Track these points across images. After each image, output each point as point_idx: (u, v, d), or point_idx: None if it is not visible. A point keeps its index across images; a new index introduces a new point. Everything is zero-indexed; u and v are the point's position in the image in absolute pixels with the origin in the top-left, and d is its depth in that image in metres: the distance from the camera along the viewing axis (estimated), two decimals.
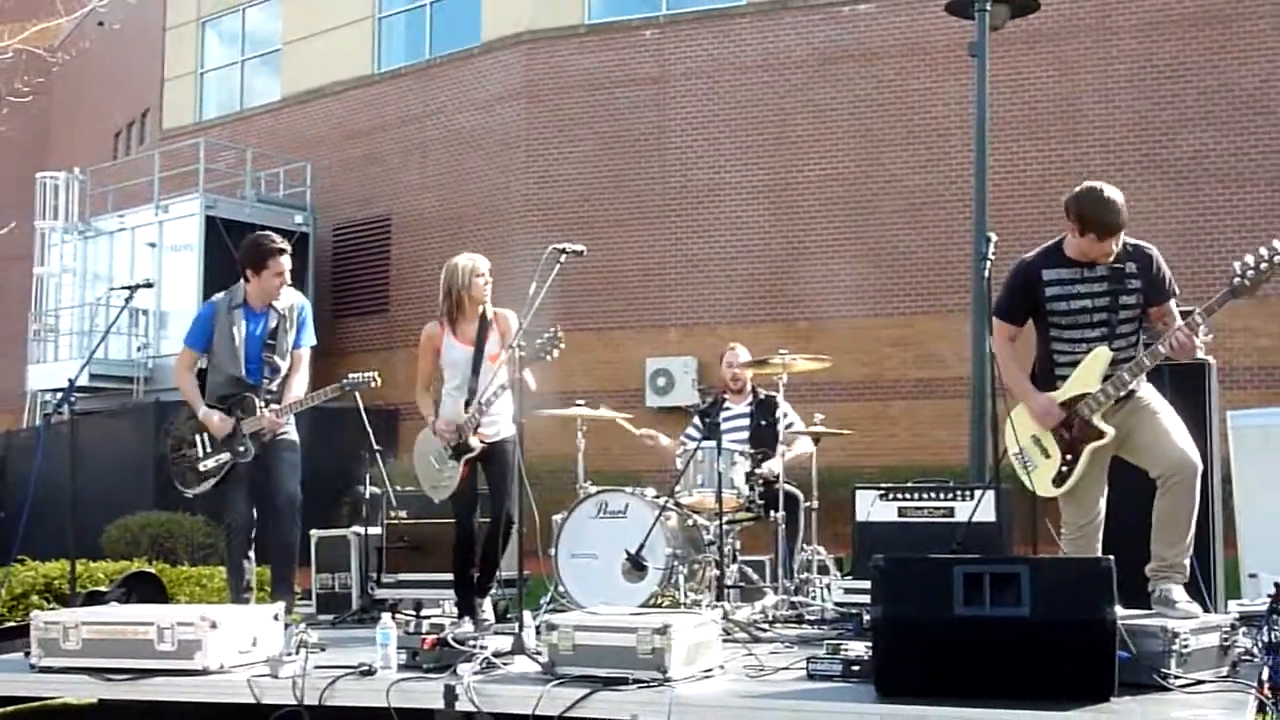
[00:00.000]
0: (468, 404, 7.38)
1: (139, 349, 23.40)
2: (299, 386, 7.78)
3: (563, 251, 6.95)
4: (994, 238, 7.19)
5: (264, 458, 7.67)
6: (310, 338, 7.94)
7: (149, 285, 9.36)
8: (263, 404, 7.60)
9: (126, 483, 20.41)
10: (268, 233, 7.94)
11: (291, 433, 7.80)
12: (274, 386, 7.70)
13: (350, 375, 8.04)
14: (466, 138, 23.11)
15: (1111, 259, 6.04)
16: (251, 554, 7.69)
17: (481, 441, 7.38)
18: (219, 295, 7.90)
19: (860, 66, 20.25)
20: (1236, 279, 5.75)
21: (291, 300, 7.83)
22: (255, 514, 7.75)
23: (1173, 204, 18.16)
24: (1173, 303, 6.12)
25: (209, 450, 7.69)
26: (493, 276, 7.78)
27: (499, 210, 22.32)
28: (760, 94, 20.74)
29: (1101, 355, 6.03)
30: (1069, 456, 6.09)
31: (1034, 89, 19.11)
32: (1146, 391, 6.14)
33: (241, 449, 7.62)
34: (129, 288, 8.16)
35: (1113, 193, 6.01)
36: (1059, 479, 6.13)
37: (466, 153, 23.05)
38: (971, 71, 12.91)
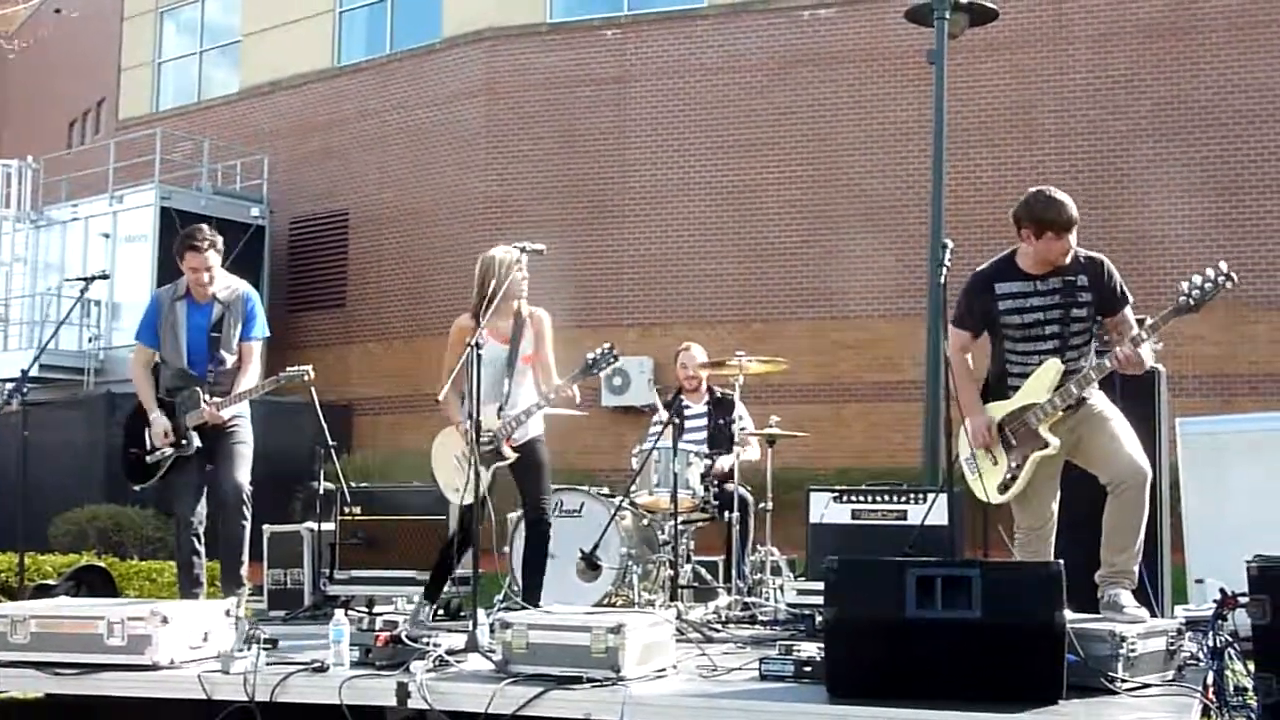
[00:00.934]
0: (500, 409, 7.08)
1: (90, 340, 23.19)
2: (250, 379, 7.63)
3: (523, 250, 6.94)
4: (950, 244, 7.25)
5: (213, 450, 7.55)
6: (261, 329, 7.75)
7: (105, 277, 9.31)
8: (206, 396, 7.46)
9: (75, 475, 20.21)
10: (199, 225, 7.76)
11: (244, 426, 7.66)
12: (221, 378, 7.54)
13: (287, 369, 7.82)
14: (426, 133, 23.05)
15: (1066, 260, 6.11)
16: (201, 549, 7.57)
17: (513, 449, 7.13)
18: (164, 288, 7.83)
19: (820, 70, 20.33)
20: (1183, 297, 5.85)
21: (237, 291, 7.67)
22: (204, 508, 7.62)
23: (1125, 213, 18.32)
24: (1128, 310, 6.19)
25: (154, 444, 7.58)
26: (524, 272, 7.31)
27: (458, 207, 22.27)
28: (720, 96, 20.79)
29: (1052, 367, 6.10)
30: (1015, 464, 6.17)
31: (991, 96, 19.24)
32: (1098, 399, 6.21)
33: (184, 442, 7.49)
34: (85, 279, 8.11)
35: (1060, 193, 6.12)
36: (1004, 486, 6.22)
37: (426, 149, 22.99)
38: (930, 78, 13.01)
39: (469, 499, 6.90)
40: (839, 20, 20.46)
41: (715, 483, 8.52)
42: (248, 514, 7.49)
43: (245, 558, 7.57)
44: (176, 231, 21.68)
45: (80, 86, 31.07)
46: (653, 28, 21.54)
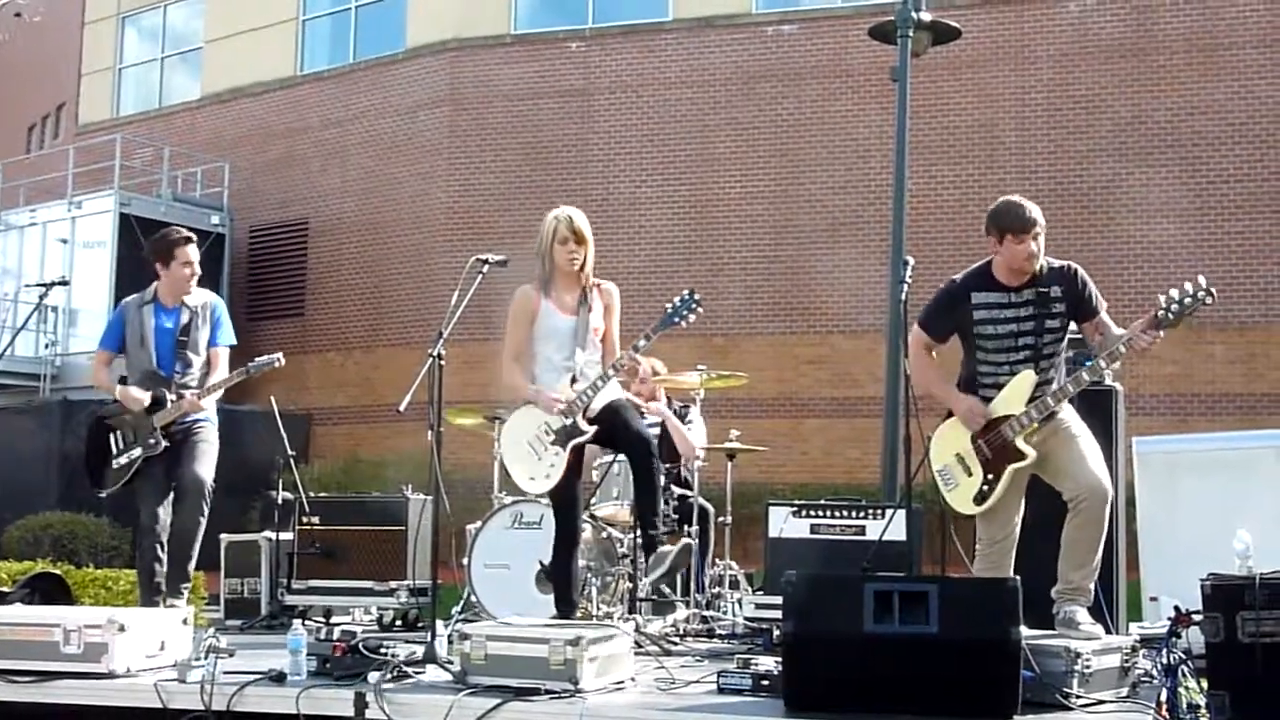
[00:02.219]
0: (574, 380, 6.68)
1: (47, 346, 23.03)
2: (217, 382, 7.66)
3: (484, 262, 6.90)
4: (911, 261, 7.29)
5: (178, 451, 7.52)
6: (228, 337, 7.81)
7: (63, 283, 9.28)
8: (174, 397, 7.47)
9: (30, 482, 20.06)
10: (170, 228, 7.89)
11: (209, 428, 7.65)
12: (188, 381, 7.57)
13: (256, 358, 7.82)
14: (388, 143, 23.01)
15: (1034, 265, 6.16)
16: (164, 556, 7.50)
17: (590, 423, 6.70)
18: (130, 297, 7.85)
19: (783, 86, 20.42)
20: (1161, 311, 5.89)
21: (205, 299, 7.75)
22: (167, 515, 7.55)
23: (1085, 232, 18.47)
24: (1104, 314, 6.23)
25: (121, 447, 7.60)
26: (589, 240, 6.87)
27: (419, 218, 22.24)
28: (683, 110, 20.86)
29: (1027, 378, 6.14)
30: (990, 476, 6.20)
31: (953, 114, 19.37)
32: (1068, 414, 6.25)
33: (152, 441, 7.48)
34: (43, 285, 8.10)
35: (1023, 199, 6.23)
36: (980, 497, 6.24)
37: (388, 159, 22.95)
38: (892, 95, 13.09)
39: (547, 486, 6.68)
40: (803, 36, 20.57)
41: (675, 498, 8.51)
42: (205, 509, 7.42)
43: (195, 554, 7.47)
44: (135, 238, 21.86)
45: (40, 91, 30.87)
46: (617, 41, 21.60)
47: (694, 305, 6.68)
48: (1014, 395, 6.16)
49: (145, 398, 7.46)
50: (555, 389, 6.68)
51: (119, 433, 7.64)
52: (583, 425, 6.64)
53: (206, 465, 7.50)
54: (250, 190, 24.55)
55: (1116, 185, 18.70)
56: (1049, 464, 6.20)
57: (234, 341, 7.89)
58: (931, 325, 6.49)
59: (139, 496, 7.58)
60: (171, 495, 7.55)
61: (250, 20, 25.34)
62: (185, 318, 7.62)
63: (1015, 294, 6.22)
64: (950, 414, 6.40)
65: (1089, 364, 6.13)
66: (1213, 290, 5.84)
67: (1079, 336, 6.41)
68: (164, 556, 7.46)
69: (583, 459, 6.84)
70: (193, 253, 7.61)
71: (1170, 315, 5.88)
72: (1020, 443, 6.12)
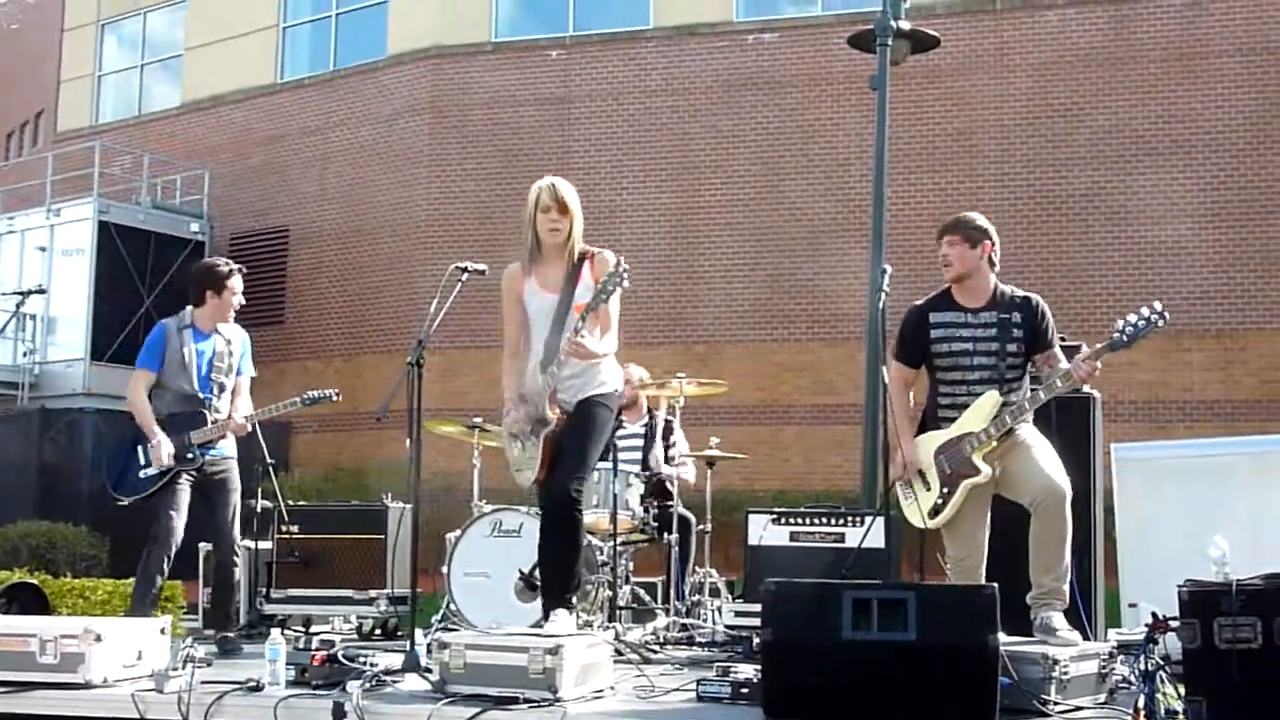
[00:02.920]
0: (544, 365, 6.28)
1: (25, 355, 22.93)
2: (245, 407, 7.94)
3: (464, 270, 6.89)
4: (889, 269, 7.35)
5: (207, 492, 7.77)
6: (250, 368, 8.09)
7: (41, 291, 9.36)
8: (212, 418, 7.72)
9: (8, 491, 19.98)
10: (216, 258, 8.15)
11: (234, 470, 7.92)
12: (220, 406, 7.82)
13: (309, 391, 8.16)
14: (368, 151, 22.99)
15: (951, 275, 6.41)
16: (167, 570, 7.68)
17: (561, 410, 6.32)
18: (168, 320, 8.03)
19: (763, 94, 20.46)
20: (1117, 334, 5.98)
21: (235, 330, 8.03)
22: (181, 534, 7.73)
23: (1064, 240, 18.56)
24: (1056, 349, 6.31)
25: (148, 459, 7.69)
26: (574, 211, 6.45)
27: (400, 225, 22.21)
28: (664, 118, 20.88)
29: (990, 398, 6.20)
30: (946, 490, 6.26)
31: (932, 123, 19.42)
32: (1026, 430, 6.29)
33: (190, 456, 7.67)
34: (21, 293, 8.14)
35: (968, 214, 6.57)
36: (934, 511, 6.29)
37: (368, 166, 22.92)
38: (872, 103, 13.12)
39: (531, 478, 6.36)
40: (783, 45, 20.61)
41: (655, 505, 8.51)
42: (239, 558, 7.92)
43: (238, 590, 8.00)
44: (114, 246, 21.79)
45: (18, 98, 30.77)
46: (597, 49, 21.61)
47: (620, 277, 6.07)
48: (976, 414, 6.22)
49: (168, 460, 7.59)
50: (532, 385, 6.31)
51: (146, 446, 7.71)
52: (548, 414, 6.26)
53: (237, 519, 7.89)
54: (230, 198, 24.48)
55: (1095, 193, 18.77)
56: (1006, 478, 6.26)
57: (254, 373, 8.14)
58: (901, 353, 6.54)
59: (160, 508, 7.67)
60: (206, 531, 7.92)
61: (231, 27, 25.30)
62: (219, 345, 7.88)
63: (973, 315, 6.33)
64: (920, 430, 6.44)
65: (1039, 389, 6.24)
66: (1165, 314, 5.94)
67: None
68: (167, 570, 7.65)
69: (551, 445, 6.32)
70: (238, 284, 7.89)
71: (1125, 339, 5.97)
72: (977, 459, 6.19)
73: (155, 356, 7.85)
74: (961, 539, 6.33)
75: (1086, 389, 7.26)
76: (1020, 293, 6.36)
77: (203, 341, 7.84)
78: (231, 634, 7.69)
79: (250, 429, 7.93)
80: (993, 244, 6.46)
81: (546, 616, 6.28)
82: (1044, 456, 6.21)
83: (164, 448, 7.59)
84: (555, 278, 6.39)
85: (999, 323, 6.27)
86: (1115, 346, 6.00)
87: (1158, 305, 5.95)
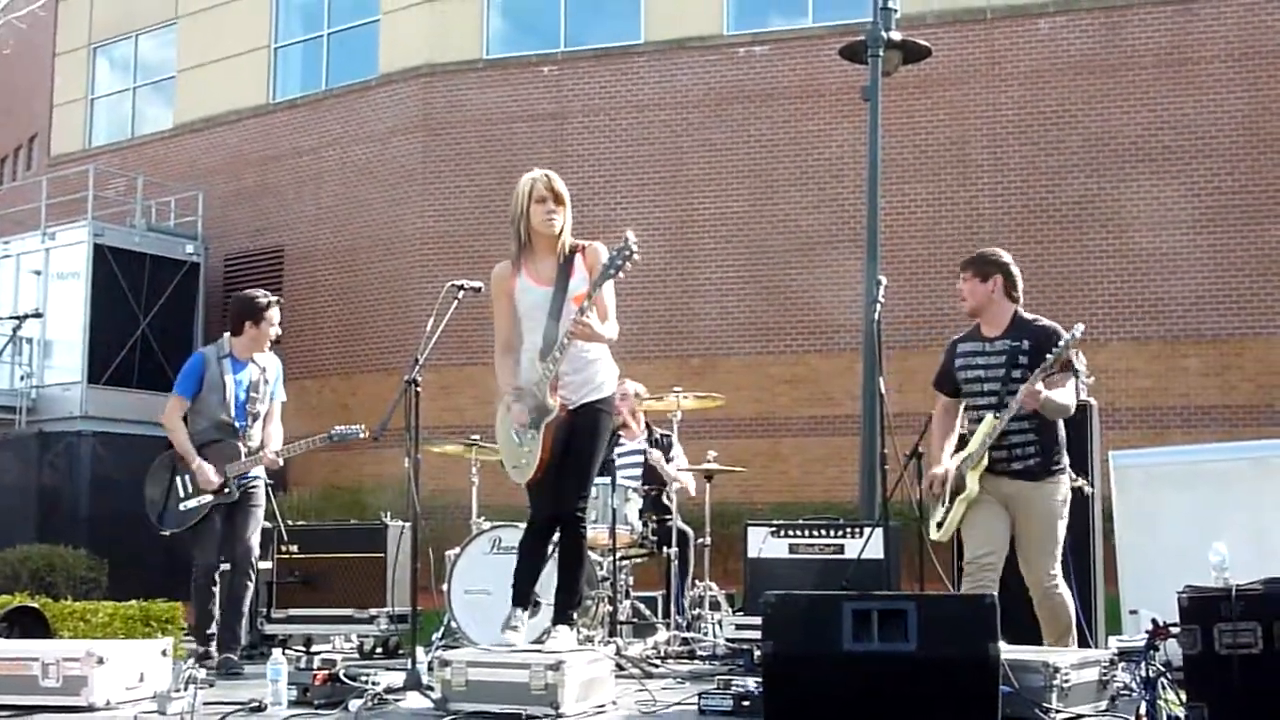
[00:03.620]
0: (544, 355, 6.16)
1: (22, 379, 22.91)
2: (276, 435, 8.10)
3: (460, 288, 6.91)
4: (884, 280, 7.41)
5: (231, 508, 7.92)
6: (282, 394, 8.27)
7: (38, 315, 9.42)
8: (246, 449, 7.88)
9: (7, 515, 19.96)
10: (255, 290, 8.33)
11: (262, 489, 8.09)
12: (254, 433, 7.99)
13: (338, 427, 8.30)
14: (362, 170, 23.00)
15: (967, 308, 6.68)
16: (217, 594, 7.85)
17: (562, 403, 6.20)
18: (207, 348, 8.22)
19: (756, 107, 20.49)
20: (1047, 361, 6.30)
21: (270, 359, 8.21)
22: (217, 560, 7.94)
23: (1058, 248, 18.56)
24: (1064, 375, 6.47)
25: (190, 491, 7.88)
26: (567, 202, 6.42)
27: (394, 244, 22.22)
28: (656, 132, 20.90)
29: (989, 422, 6.45)
30: (947, 506, 6.54)
31: (925, 133, 19.45)
32: (1043, 501, 6.48)
33: (227, 490, 7.84)
34: (17, 317, 8.20)
35: (987, 249, 6.85)
36: (939, 524, 6.59)
37: (362, 185, 22.93)
38: (864, 114, 13.15)
39: (528, 474, 6.25)
40: (774, 57, 20.64)
41: (653, 518, 8.51)
42: (254, 575, 7.97)
43: (245, 613, 7.94)
44: (110, 269, 21.77)
45: (11, 122, 30.78)
46: (589, 64, 21.64)
47: (629, 253, 6.03)
48: (977, 437, 6.49)
49: (215, 482, 7.79)
50: (530, 377, 6.21)
51: (186, 476, 7.89)
52: (550, 402, 6.15)
53: (257, 533, 8.02)
54: (224, 219, 24.49)
55: (1088, 200, 18.79)
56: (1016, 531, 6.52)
57: (285, 398, 8.31)
58: (937, 381, 6.88)
59: (199, 540, 7.88)
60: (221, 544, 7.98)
61: (222, 49, 25.31)
62: (255, 374, 8.04)
63: (990, 344, 6.59)
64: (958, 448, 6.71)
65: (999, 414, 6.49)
66: (1077, 334, 6.31)
67: None
68: (216, 594, 7.84)
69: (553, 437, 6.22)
70: (276, 315, 8.08)
71: (1053, 368, 6.30)
72: (970, 478, 6.46)
73: (192, 383, 8.00)
74: (973, 543, 6.53)
75: (1084, 396, 7.30)
76: (1042, 322, 6.57)
77: (240, 370, 8.00)
78: (235, 655, 7.72)
79: (280, 464, 8.05)
80: (1006, 277, 6.62)
81: (519, 608, 6.35)
82: (1039, 540, 6.47)
83: (208, 470, 7.76)
84: (548, 271, 6.31)
85: (1008, 350, 6.50)
86: (1048, 372, 6.29)
87: (1078, 331, 6.31)
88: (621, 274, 6.11)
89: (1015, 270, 6.66)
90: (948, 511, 6.51)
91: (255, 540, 7.96)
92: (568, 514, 6.33)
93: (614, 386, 6.53)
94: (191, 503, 7.85)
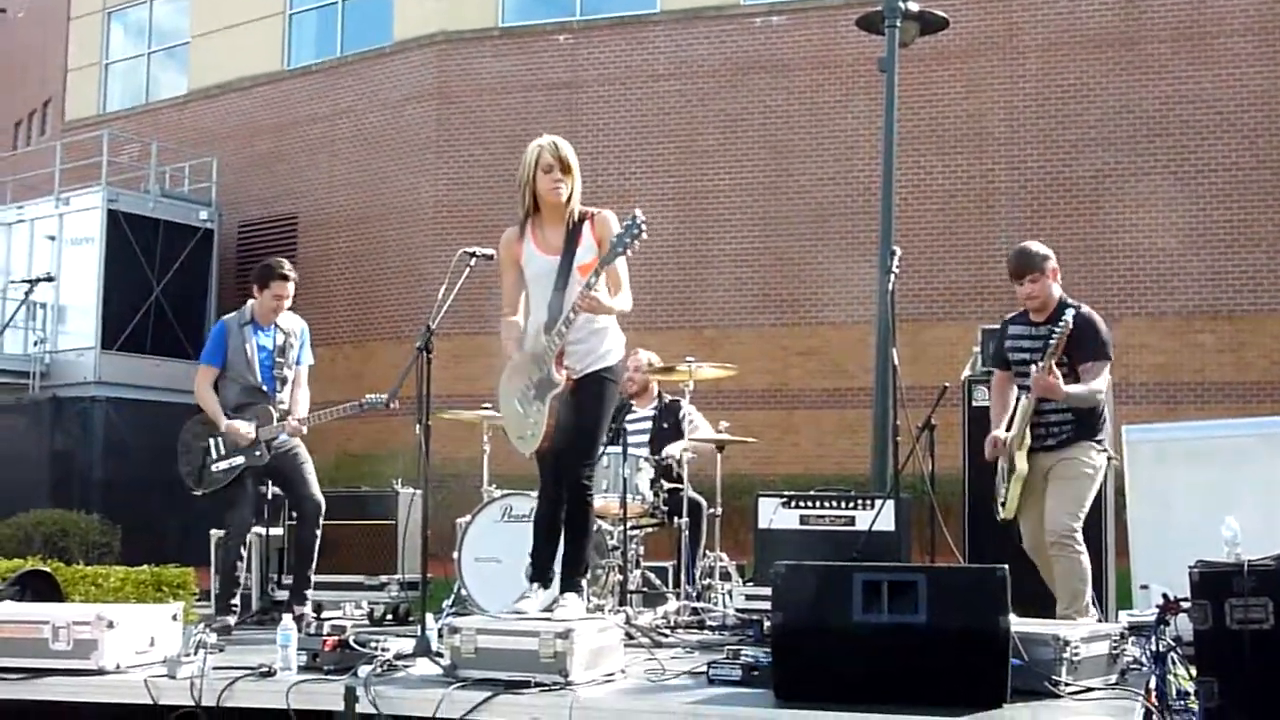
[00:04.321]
0: (549, 327, 6.12)
1: (36, 344, 22.97)
2: (303, 400, 8.16)
3: (472, 255, 6.87)
4: (899, 251, 7.38)
5: (278, 469, 8.04)
6: (309, 357, 8.31)
7: (50, 279, 9.41)
8: (278, 413, 7.95)
9: (20, 480, 20.06)
10: (280, 259, 8.35)
11: (302, 444, 8.14)
12: (283, 398, 8.04)
13: (369, 395, 8.26)
14: (376, 138, 22.98)
15: (1043, 310, 6.83)
16: (245, 556, 8.00)
17: (568, 375, 6.16)
18: (229, 316, 8.24)
19: (771, 78, 20.41)
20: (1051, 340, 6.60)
21: (294, 322, 8.25)
22: (253, 520, 8.15)
23: (1075, 222, 18.50)
24: (1093, 363, 6.72)
25: (222, 453, 7.94)
26: (574, 170, 6.37)
27: (408, 211, 22.21)
28: (671, 102, 20.84)
29: (1024, 404, 6.75)
30: (1007, 485, 6.81)
31: (942, 105, 19.37)
32: (1075, 459, 6.72)
33: (257, 453, 7.89)
34: (29, 281, 8.19)
35: (1026, 244, 6.97)
36: (1003, 504, 6.85)
37: (376, 153, 22.91)
38: (881, 86, 13.09)
39: (534, 445, 6.17)
40: (791, 27, 20.56)
41: (663, 488, 8.50)
42: (320, 525, 8.02)
43: (314, 563, 8.03)
44: (123, 234, 21.81)
45: (26, 87, 30.78)
46: (605, 33, 21.57)
47: (637, 231, 5.99)
48: (1016, 419, 6.80)
49: (250, 432, 7.85)
50: (534, 345, 6.17)
51: (219, 439, 7.95)
52: (555, 376, 6.09)
53: (315, 483, 8.06)
54: (238, 185, 24.50)
55: (1105, 175, 18.72)
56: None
57: (312, 361, 8.35)
58: (993, 359, 7.25)
59: (231, 502, 7.96)
60: (288, 504, 8.30)
61: (236, 15, 25.28)
62: (280, 338, 8.09)
63: (1035, 329, 6.85)
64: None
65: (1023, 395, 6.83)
66: (1068, 320, 6.56)
67: None
68: (244, 555, 8.00)
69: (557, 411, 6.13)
70: (287, 289, 8.07)
71: (1053, 357, 6.58)
72: (1017, 457, 6.73)
73: (218, 353, 8.06)
74: (1026, 531, 6.84)
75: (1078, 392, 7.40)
76: (1083, 310, 6.79)
77: (264, 335, 8.04)
78: (306, 604, 7.87)
79: (305, 431, 8.06)
80: (1053, 262, 6.90)
81: (536, 583, 6.42)
82: (1057, 493, 6.70)
83: (238, 426, 7.82)
84: (555, 239, 6.27)
85: (1046, 334, 6.71)
86: (1057, 350, 6.58)
87: (1069, 314, 6.59)
88: (630, 252, 6.08)
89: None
90: (1007, 491, 6.78)
91: (318, 491, 8.03)
92: (574, 481, 6.32)
93: (621, 355, 6.48)
94: (223, 464, 7.90)
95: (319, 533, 7.99)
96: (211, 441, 7.94)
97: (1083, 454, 6.73)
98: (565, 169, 6.28)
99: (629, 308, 6.30)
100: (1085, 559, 6.60)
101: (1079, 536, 6.60)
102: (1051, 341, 6.56)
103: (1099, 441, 6.81)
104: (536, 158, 6.29)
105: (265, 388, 7.98)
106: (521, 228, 6.33)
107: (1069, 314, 6.57)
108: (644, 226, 6.00)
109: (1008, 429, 6.88)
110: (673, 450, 8.64)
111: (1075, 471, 6.70)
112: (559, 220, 6.29)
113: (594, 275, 6.04)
